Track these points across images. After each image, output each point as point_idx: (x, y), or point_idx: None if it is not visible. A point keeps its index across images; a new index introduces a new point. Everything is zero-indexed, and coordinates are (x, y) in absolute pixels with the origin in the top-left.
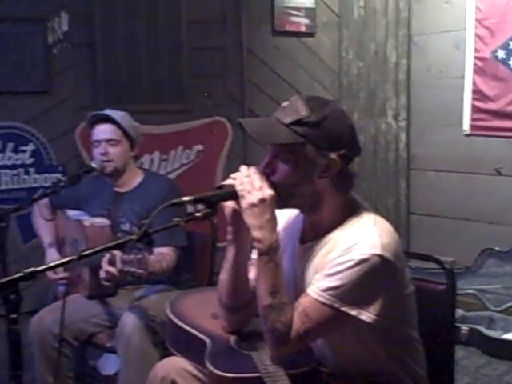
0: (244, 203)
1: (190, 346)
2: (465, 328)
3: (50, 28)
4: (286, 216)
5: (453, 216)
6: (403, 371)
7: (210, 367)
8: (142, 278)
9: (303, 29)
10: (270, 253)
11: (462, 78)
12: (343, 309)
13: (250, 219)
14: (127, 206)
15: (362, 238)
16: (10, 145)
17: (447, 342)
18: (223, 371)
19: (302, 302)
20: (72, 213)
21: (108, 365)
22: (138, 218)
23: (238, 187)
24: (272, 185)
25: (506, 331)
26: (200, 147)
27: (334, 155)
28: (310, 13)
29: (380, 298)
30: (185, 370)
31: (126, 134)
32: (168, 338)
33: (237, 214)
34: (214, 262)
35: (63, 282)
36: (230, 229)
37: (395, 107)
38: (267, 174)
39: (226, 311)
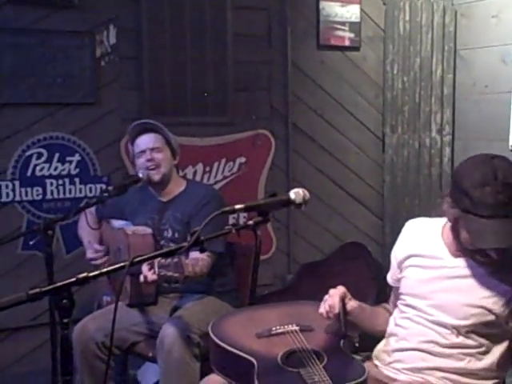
0: None
1: (236, 368)
2: None
3: (98, 41)
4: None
5: None
6: None
7: None
8: (178, 281)
9: (348, 43)
10: None
11: (509, 92)
12: None
13: None
14: (170, 214)
15: None
16: (57, 155)
17: None
18: None
19: None
20: (117, 222)
21: (148, 375)
22: (180, 225)
23: None
24: None
25: None
26: (243, 160)
27: None
28: (354, 27)
29: None
30: None
31: (167, 141)
32: (213, 361)
33: None
34: (257, 275)
35: (98, 261)
36: None
37: (440, 122)
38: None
39: None
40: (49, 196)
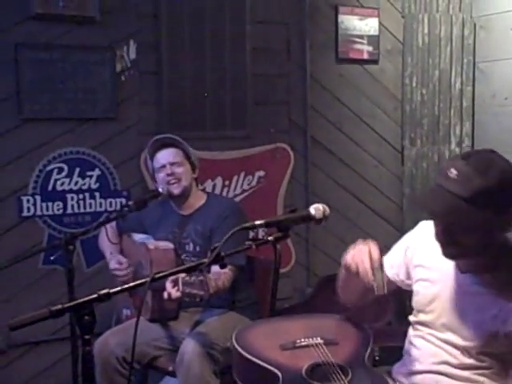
0: None
1: (260, 380)
2: None
3: (118, 56)
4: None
5: None
6: None
7: None
8: (202, 299)
9: (366, 56)
10: None
11: None
12: None
13: None
14: (191, 227)
15: None
16: (77, 170)
17: None
18: None
19: None
20: (138, 236)
21: None
22: (201, 238)
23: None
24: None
25: None
26: (262, 173)
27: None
28: (373, 40)
29: None
30: None
31: (187, 155)
32: (236, 371)
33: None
34: (276, 289)
35: (122, 276)
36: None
37: (459, 134)
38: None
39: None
40: (69, 210)
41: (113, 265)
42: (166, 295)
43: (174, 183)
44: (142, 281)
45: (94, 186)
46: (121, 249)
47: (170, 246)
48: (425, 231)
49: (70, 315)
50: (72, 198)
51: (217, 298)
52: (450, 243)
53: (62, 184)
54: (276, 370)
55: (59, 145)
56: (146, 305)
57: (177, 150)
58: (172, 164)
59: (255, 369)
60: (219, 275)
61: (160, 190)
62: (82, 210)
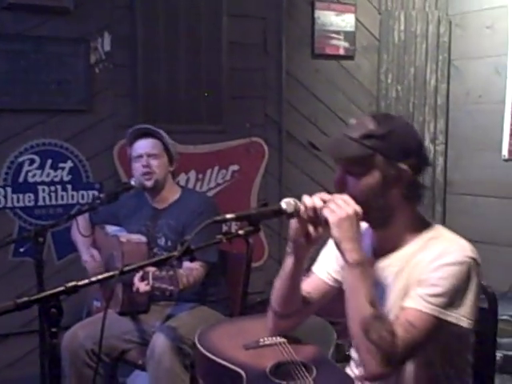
0: (335, 218)
1: (223, 379)
2: (499, 355)
3: (92, 48)
4: None
5: (489, 241)
6: None
7: None
8: (172, 294)
9: (343, 52)
10: (364, 262)
11: (502, 103)
12: (443, 316)
13: (342, 232)
14: (164, 222)
15: (451, 243)
16: (49, 161)
17: (487, 368)
18: None
19: (402, 315)
20: (111, 228)
21: (138, 383)
22: (173, 233)
23: (324, 206)
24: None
25: None
26: (236, 167)
27: (403, 165)
28: (349, 36)
29: (473, 301)
30: None
31: (166, 148)
32: (200, 372)
33: (301, 231)
34: (248, 283)
35: (98, 296)
36: (291, 244)
37: (433, 131)
38: (339, 189)
39: (274, 316)
40: (41, 202)
41: (85, 257)
42: (134, 289)
43: (147, 175)
44: (111, 274)
45: (66, 178)
46: (93, 240)
47: (143, 239)
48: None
49: (38, 308)
50: (43, 190)
51: (188, 293)
52: (347, 189)
53: (34, 176)
54: (240, 370)
55: (31, 136)
56: (116, 298)
57: (156, 142)
58: (149, 155)
59: (219, 369)
60: (190, 271)
61: (132, 183)
62: (53, 202)
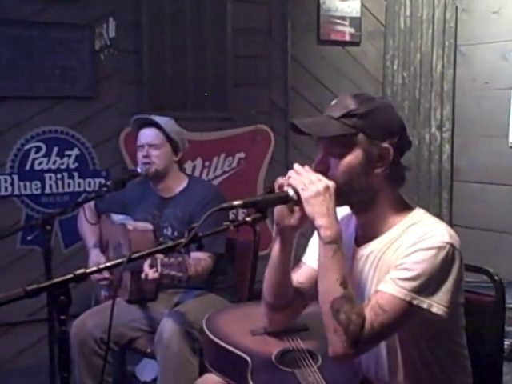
0: (306, 194)
1: (229, 365)
2: (507, 343)
3: (97, 34)
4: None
5: (496, 229)
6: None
7: None
8: (181, 280)
9: (348, 38)
10: (337, 240)
11: (509, 89)
12: (415, 302)
13: (315, 208)
14: (170, 211)
15: (430, 228)
16: (55, 149)
17: (496, 357)
18: None
19: (373, 298)
20: (117, 217)
21: (146, 371)
22: (180, 223)
23: (296, 181)
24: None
25: None
26: (242, 155)
27: (385, 144)
28: (355, 22)
29: (449, 289)
30: None
31: (168, 138)
32: (206, 356)
33: (284, 213)
34: (255, 271)
35: (106, 283)
36: (275, 227)
37: (440, 118)
38: (321, 171)
39: (268, 309)
40: (47, 190)
41: (92, 264)
42: (143, 276)
43: (147, 165)
44: (119, 261)
45: (72, 166)
46: (100, 229)
47: (149, 227)
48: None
49: (47, 297)
50: (50, 178)
51: (196, 281)
52: (330, 171)
53: (40, 163)
54: (245, 356)
55: (37, 123)
56: (124, 286)
57: (157, 132)
58: (150, 145)
59: (225, 354)
60: (198, 261)
61: (139, 170)
62: (60, 190)
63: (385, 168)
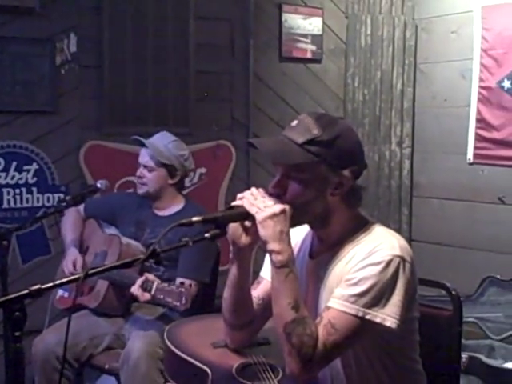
0: (260, 216)
1: (189, 376)
2: (465, 356)
3: (58, 49)
4: (294, 232)
5: (454, 244)
6: None
7: None
8: (176, 309)
9: (310, 55)
10: (289, 264)
11: (467, 106)
12: (368, 317)
13: (267, 232)
14: (161, 231)
15: (381, 241)
16: (14, 164)
17: (453, 370)
18: None
19: (325, 315)
20: (108, 228)
21: None
22: (168, 244)
23: (251, 205)
24: (283, 203)
25: (507, 360)
26: (203, 170)
27: (346, 172)
28: (316, 39)
29: (400, 301)
30: None
31: (160, 162)
32: (166, 368)
33: (239, 232)
34: (216, 286)
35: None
36: (232, 247)
37: (400, 134)
38: (277, 193)
39: (229, 328)
40: (5, 205)
41: (69, 261)
42: (133, 291)
43: (140, 184)
44: (75, 277)
45: (31, 181)
46: (82, 233)
47: (140, 248)
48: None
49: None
50: (8, 193)
51: None
52: (287, 193)
53: None
54: (206, 368)
55: None
56: (96, 293)
57: (151, 155)
58: (145, 166)
59: (185, 365)
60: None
61: (98, 185)
62: (18, 205)
63: (342, 194)
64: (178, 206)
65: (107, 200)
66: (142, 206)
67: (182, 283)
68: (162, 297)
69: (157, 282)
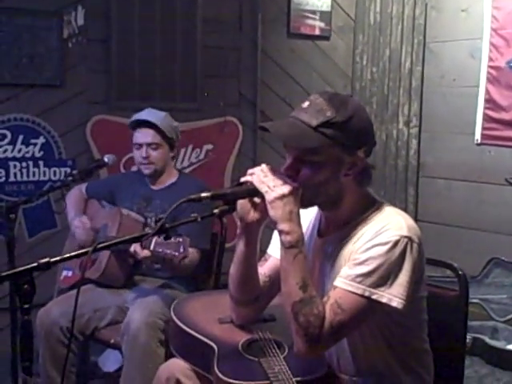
0: (270, 197)
1: (196, 352)
2: (468, 337)
3: (65, 21)
4: (305, 211)
5: (460, 224)
6: (409, 377)
7: (219, 374)
8: (172, 260)
9: (318, 32)
10: (298, 245)
11: (476, 86)
12: (374, 297)
13: (278, 211)
14: (157, 203)
15: (389, 222)
16: (21, 137)
17: (458, 350)
18: (232, 378)
19: (332, 295)
20: (108, 204)
21: (109, 361)
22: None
23: (261, 182)
24: (294, 182)
25: (510, 341)
26: (210, 147)
27: (359, 152)
28: (325, 16)
29: (407, 281)
30: (189, 369)
31: (166, 137)
32: (172, 343)
33: (247, 207)
34: (221, 263)
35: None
36: (239, 223)
37: (407, 114)
38: (290, 176)
39: (235, 305)
40: (12, 178)
41: (76, 222)
42: (131, 249)
43: (146, 165)
44: (84, 250)
45: (38, 155)
46: (84, 211)
47: (141, 219)
48: None
49: (9, 286)
50: (15, 166)
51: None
52: (299, 177)
53: (5, 151)
54: (212, 343)
55: (2, 111)
56: (98, 264)
57: (155, 132)
58: (148, 145)
59: (191, 341)
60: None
61: (105, 160)
62: (24, 179)
63: (356, 174)
64: (172, 178)
65: (107, 181)
66: (139, 182)
67: (179, 235)
68: (160, 250)
69: (156, 237)
